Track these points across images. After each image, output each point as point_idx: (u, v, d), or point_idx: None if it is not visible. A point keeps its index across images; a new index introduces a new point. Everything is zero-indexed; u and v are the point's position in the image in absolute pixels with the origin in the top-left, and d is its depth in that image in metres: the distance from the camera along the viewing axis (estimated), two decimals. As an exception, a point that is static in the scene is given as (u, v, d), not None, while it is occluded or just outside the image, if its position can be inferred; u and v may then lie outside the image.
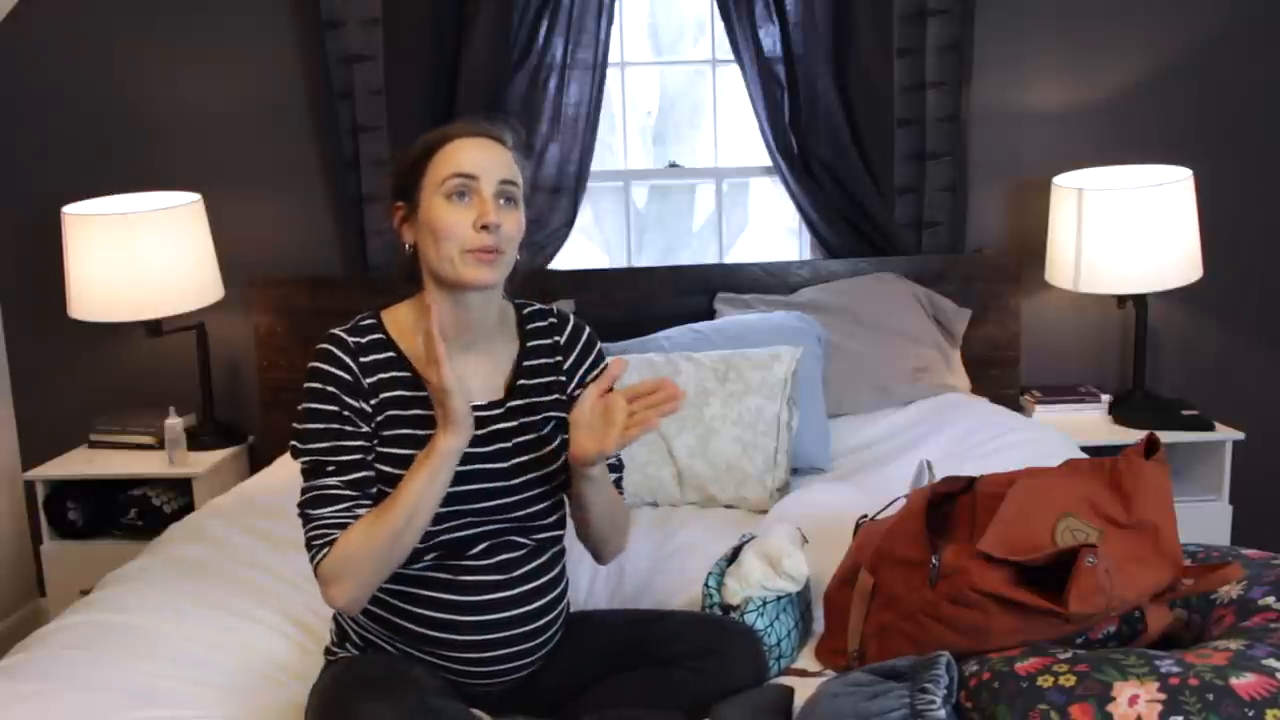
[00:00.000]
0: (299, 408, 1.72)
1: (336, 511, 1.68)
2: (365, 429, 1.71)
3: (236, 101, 3.33)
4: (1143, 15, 3.27)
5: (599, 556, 1.93)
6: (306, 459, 1.72)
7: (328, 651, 1.86)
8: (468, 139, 1.73)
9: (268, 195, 3.38)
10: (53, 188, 3.24)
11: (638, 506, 2.65)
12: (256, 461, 3.32)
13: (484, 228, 1.67)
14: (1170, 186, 3.01)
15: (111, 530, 3.20)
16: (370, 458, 1.72)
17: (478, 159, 1.71)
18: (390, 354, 1.75)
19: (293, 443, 1.73)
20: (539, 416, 1.80)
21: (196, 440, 3.23)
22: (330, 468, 1.69)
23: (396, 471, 1.71)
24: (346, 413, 1.70)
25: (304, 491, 1.72)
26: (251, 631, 2.03)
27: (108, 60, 3.32)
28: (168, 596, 2.13)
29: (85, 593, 2.32)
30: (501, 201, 1.71)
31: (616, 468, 1.92)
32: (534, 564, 1.80)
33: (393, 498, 1.66)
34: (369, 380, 1.72)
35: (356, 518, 1.68)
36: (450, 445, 1.65)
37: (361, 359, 1.72)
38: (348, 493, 1.69)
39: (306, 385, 1.71)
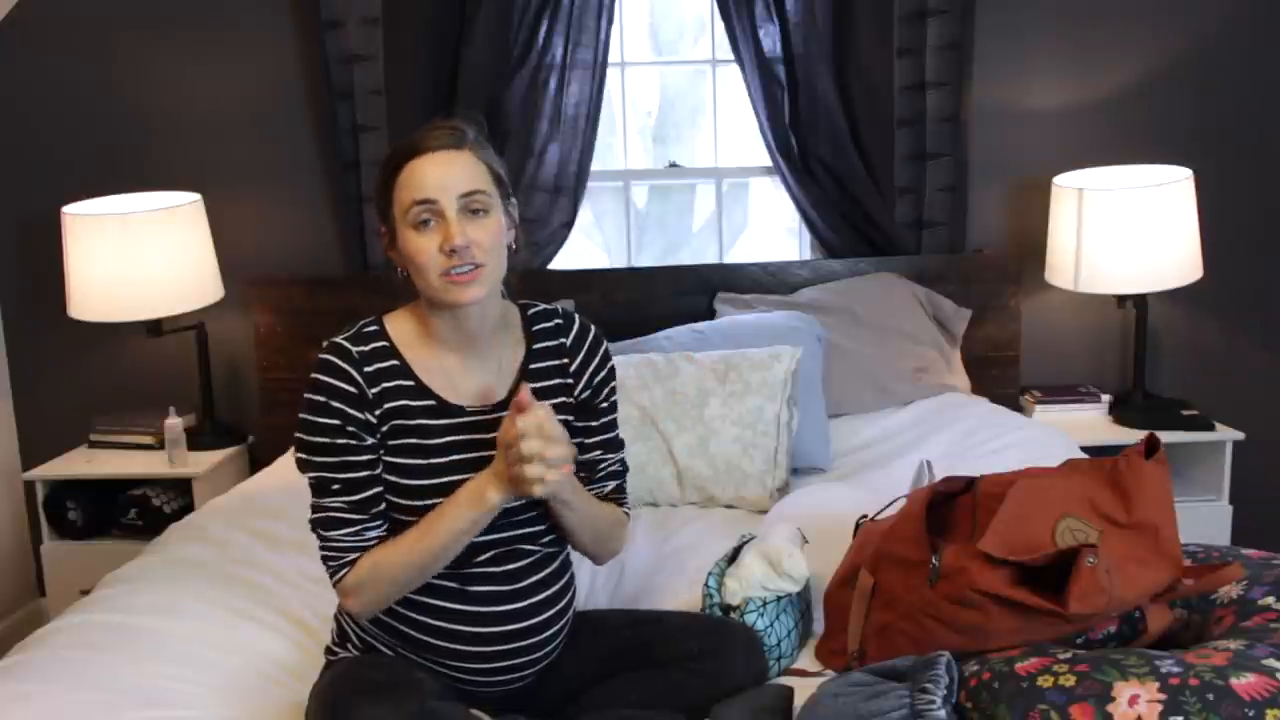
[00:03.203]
0: (300, 417, 1.71)
1: (346, 535, 1.70)
2: (370, 440, 1.70)
3: (236, 101, 3.33)
4: (1142, 15, 3.27)
5: (592, 560, 1.93)
6: (312, 475, 1.72)
7: (328, 651, 1.86)
8: (423, 156, 1.68)
9: (268, 195, 3.38)
10: (53, 188, 3.24)
11: (638, 506, 2.65)
12: (256, 461, 3.32)
13: (452, 251, 1.65)
14: (1170, 186, 3.01)
15: (111, 530, 3.19)
16: (377, 471, 1.71)
17: (435, 180, 1.67)
18: (394, 362, 1.74)
19: (297, 455, 1.73)
20: None
21: (196, 440, 3.23)
22: (335, 486, 1.70)
23: (403, 481, 1.71)
24: (350, 427, 1.69)
25: (313, 509, 1.73)
26: (251, 631, 2.03)
27: (108, 60, 3.32)
28: (168, 596, 2.13)
29: (85, 593, 2.32)
30: (469, 214, 1.68)
31: (618, 474, 1.91)
32: (542, 574, 1.79)
33: (428, 529, 1.68)
34: (373, 390, 1.70)
35: (367, 539, 1.71)
36: (501, 502, 1.67)
37: (365, 368, 1.71)
38: (355, 516, 1.70)
39: (308, 397, 1.70)
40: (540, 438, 1.61)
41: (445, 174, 1.67)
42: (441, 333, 1.76)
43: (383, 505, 1.72)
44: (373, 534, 1.71)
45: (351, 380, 1.70)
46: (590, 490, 1.86)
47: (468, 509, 1.67)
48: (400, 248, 1.71)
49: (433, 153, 1.69)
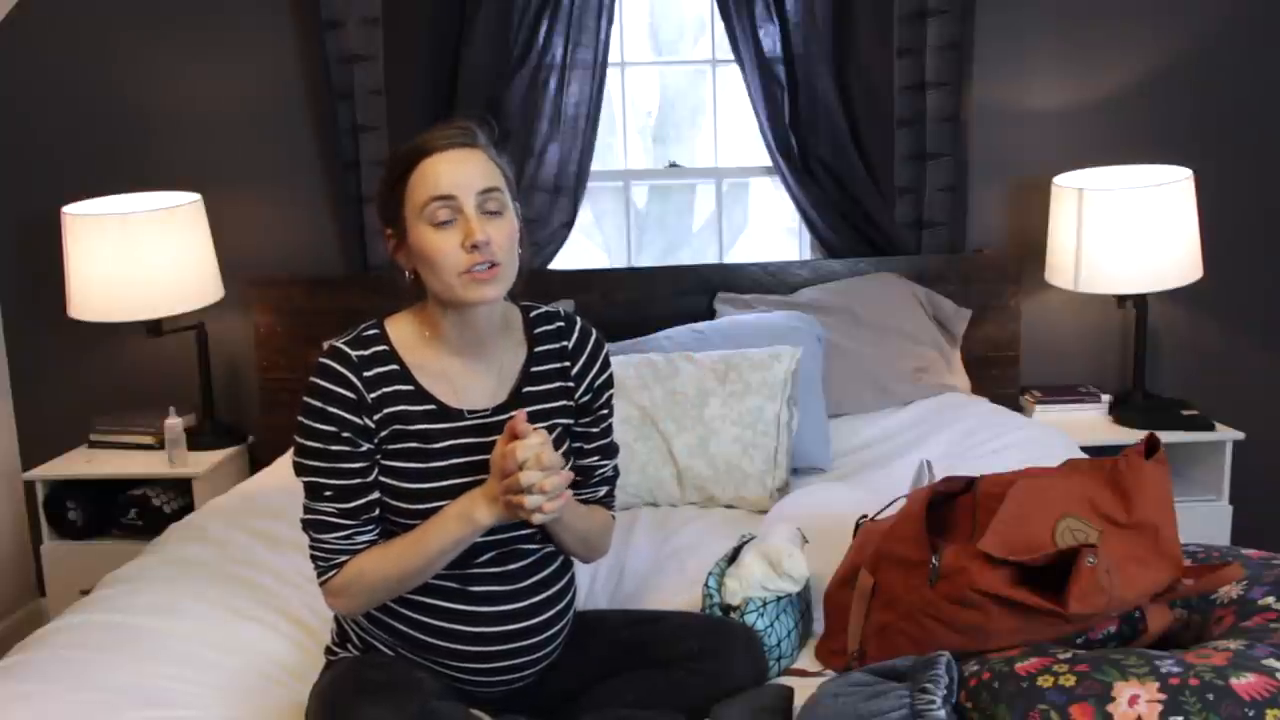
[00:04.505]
0: (298, 419, 1.71)
1: (336, 539, 1.71)
2: (366, 446, 1.70)
3: (236, 101, 3.33)
4: (1142, 15, 3.27)
5: (579, 560, 1.92)
6: (305, 478, 1.72)
7: (328, 651, 1.87)
8: (438, 154, 1.68)
9: (268, 195, 3.37)
10: (53, 188, 3.24)
11: (637, 506, 2.66)
12: (256, 461, 3.32)
13: (474, 247, 1.65)
14: (1170, 186, 3.01)
15: (111, 530, 3.19)
16: (371, 478, 1.71)
17: (453, 176, 1.66)
18: (394, 367, 1.73)
19: (293, 458, 1.73)
20: (546, 423, 1.79)
21: (196, 440, 3.23)
22: (327, 493, 1.70)
23: (402, 485, 1.71)
24: (346, 433, 1.68)
25: (305, 509, 1.73)
26: (251, 631, 2.03)
27: (108, 60, 3.32)
28: (168, 596, 2.13)
29: (85, 593, 2.32)
30: (486, 213, 1.68)
31: (610, 479, 1.92)
32: (542, 574, 1.79)
33: (415, 543, 1.69)
34: (373, 395, 1.70)
35: (357, 544, 1.71)
36: (490, 523, 1.67)
37: (365, 373, 1.70)
38: (345, 521, 1.70)
39: (306, 400, 1.70)
40: (539, 468, 1.61)
41: (462, 171, 1.67)
42: (446, 335, 1.75)
43: (375, 511, 1.73)
44: (363, 539, 1.72)
45: (350, 385, 1.69)
46: (584, 494, 1.87)
47: (455, 528, 1.68)
48: (414, 247, 1.70)
49: (447, 151, 1.68)
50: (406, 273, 1.74)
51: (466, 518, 1.67)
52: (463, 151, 1.69)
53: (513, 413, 1.70)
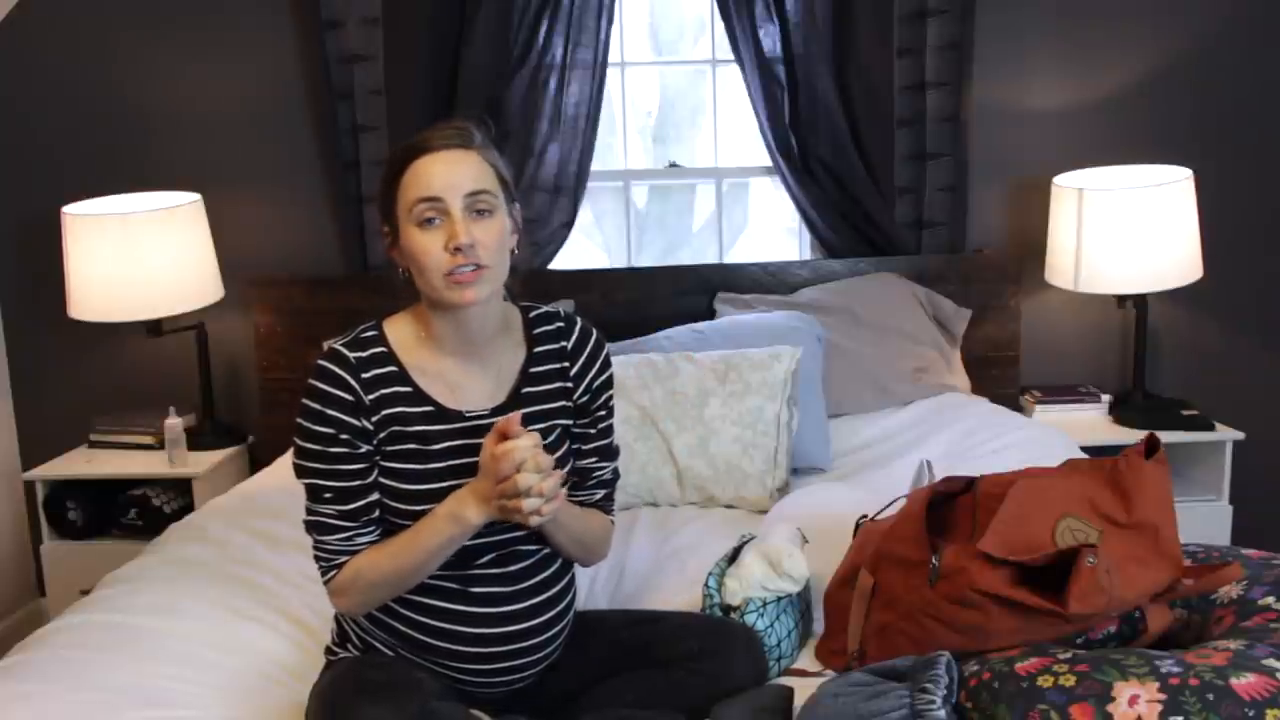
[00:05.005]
0: (296, 423, 1.71)
1: (338, 540, 1.72)
2: (365, 448, 1.70)
3: (236, 101, 3.33)
4: (1142, 15, 3.27)
5: (577, 563, 1.92)
6: (305, 480, 1.73)
7: (328, 651, 1.87)
8: (430, 155, 1.68)
9: (268, 195, 3.37)
10: (53, 188, 3.24)
11: (637, 506, 2.66)
12: (256, 461, 3.32)
13: (456, 250, 1.64)
14: (1170, 186, 3.01)
15: (111, 530, 3.19)
16: (370, 479, 1.71)
17: (442, 177, 1.66)
18: (392, 368, 1.73)
19: (293, 460, 1.74)
20: (545, 424, 1.79)
21: (196, 440, 3.23)
22: (327, 495, 1.70)
23: (401, 486, 1.72)
24: (345, 435, 1.69)
25: (307, 511, 1.74)
26: (251, 631, 2.03)
27: (108, 60, 3.32)
28: (168, 596, 2.13)
29: (85, 593, 2.32)
30: (474, 214, 1.67)
31: (609, 482, 1.91)
32: (543, 574, 1.79)
33: (409, 543, 1.69)
34: (370, 397, 1.70)
35: (357, 545, 1.72)
36: (480, 523, 1.67)
37: (363, 375, 1.70)
38: (346, 523, 1.71)
39: (305, 403, 1.70)
40: (535, 471, 1.61)
41: (452, 172, 1.67)
42: (442, 335, 1.75)
43: (376, 512, 1.73)
44: (364, 540, 1.72)
45: (348, 388, 1.69)
46: (579, 496, 1.86)
47: (445, 528, 1.68)
48: (403, 246, 1.70)
49: (440, 151, 1.68)
50: (401, 270, 1.75)
51: (457, 518, 1.67)
52: (455, 153, 1.69)
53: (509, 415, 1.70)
